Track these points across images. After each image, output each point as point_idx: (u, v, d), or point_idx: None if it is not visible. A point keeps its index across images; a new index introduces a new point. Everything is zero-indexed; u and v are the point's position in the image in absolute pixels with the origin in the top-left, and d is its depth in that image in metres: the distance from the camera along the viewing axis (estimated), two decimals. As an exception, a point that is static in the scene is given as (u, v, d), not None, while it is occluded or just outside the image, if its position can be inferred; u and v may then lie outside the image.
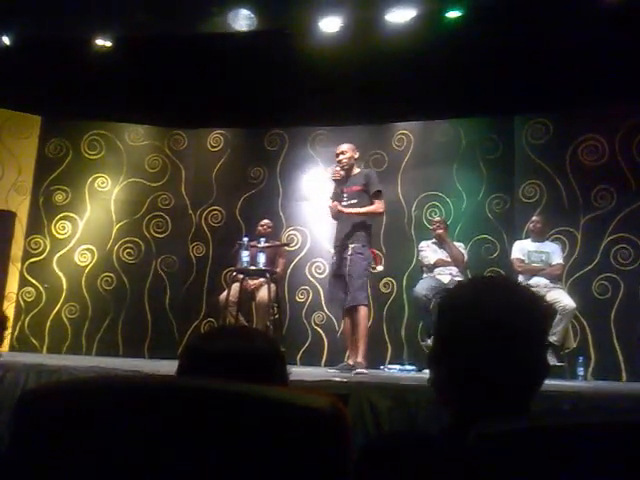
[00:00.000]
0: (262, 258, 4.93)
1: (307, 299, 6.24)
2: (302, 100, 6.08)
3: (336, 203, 4.52)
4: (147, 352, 6.27)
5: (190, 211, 6.68)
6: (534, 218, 5.36)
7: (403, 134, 6.35)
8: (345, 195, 4.52)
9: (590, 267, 5.46)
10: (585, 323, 5.31)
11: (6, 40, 5.93)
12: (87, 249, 6.48)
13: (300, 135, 6.61)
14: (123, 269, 6.47)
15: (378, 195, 4.52)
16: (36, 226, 6.47)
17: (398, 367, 5.29)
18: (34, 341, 6.22)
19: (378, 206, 4.52)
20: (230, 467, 0.75)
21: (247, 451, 0.75)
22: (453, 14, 5.58)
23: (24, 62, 5.85)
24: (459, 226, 5.94)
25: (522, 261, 5.18)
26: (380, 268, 4.76)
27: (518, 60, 5.47)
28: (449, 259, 5.27)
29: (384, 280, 5.98)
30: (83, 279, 6.42)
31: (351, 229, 4.45)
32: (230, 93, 6.17)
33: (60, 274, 6.40)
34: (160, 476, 0.77)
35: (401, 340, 5.90)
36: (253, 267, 4.95)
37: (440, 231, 5.38)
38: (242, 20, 5.54)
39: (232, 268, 5.36)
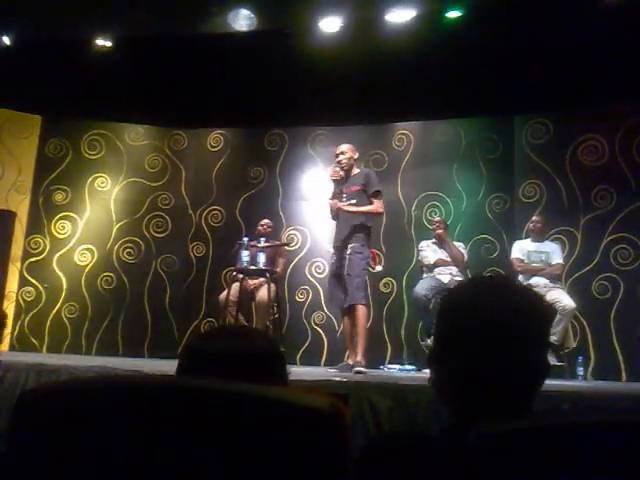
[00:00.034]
0: (262, 258, 4.94)
1: (307, 299, 6.24)
2: (302, 100, 6.08)
3: (336, 201, 4.52)
4: (147, 352, 6.27)
5: (190, 211, 6.68)
6: (534, 218, 5.36)
7: (403, 134, 6.35)
8: (344, 195, 4.52)
9: (590, 267, 5.46)
10: (585, 323, 5.31)
11: (6, 40, 5.93)
12: (87, 249, 6.49)
13: (300, 135, 6.62)
14: (123, 269, 6.47)
15: (377, 195, 4.52)
16: (36, 226, 6.47)
17: (398, 367, 5.29)
18: (34, 341, 6.23)
19: (377, 206, 4.52)
20: (230, 467, 0.75)
21: (247, 451, 0.75)
22: (453, 14, 5.58)
23: (24, 62, 5.85)
24: (459, 226, 5.94)
25: (522, 261, 5.18)
26: (379, 268, 4.76)
27: (518, 60, 5.47)
28: (449, 259, 5.27)
29: (384, 280, 5.98)
30: (83, 279, 6.42)
31: (350, 230, 4.45)
32: (230, 93, 6.17)
33: (60, 274, 6.40)
34: (160, 476, 0.77)
35: (401, 340, 5.90)
36: (253, 267, 4.95)
37: (440, 231, 5.38)
38: (242, 20, 5.54)
39: (232, 268, 5.36)
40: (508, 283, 1.09)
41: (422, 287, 5.09)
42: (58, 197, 6.53)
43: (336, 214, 4.61)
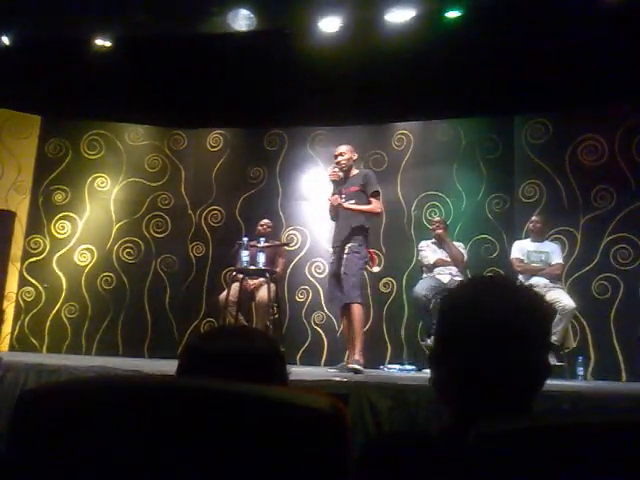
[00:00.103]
0: (262, 258, 4.94)
1: (307, 299, 6.24)
2: (302, 100, 6.08)
3: (336, 197, 4.51)
4: (147, 352, 6.27)
5: (190, 211, 6.68)
6: (534, 218, 5.36)
7: (403, 134, 6.36)
8: (343, 196, 4.52)
9: (590, 267, 5.46)
10: (585, 323, 5.31)
11: (6, 40, 5.93)
12: (87, 249, 6.49)
13: (300, 135, 6.62)
14: (123, 269, 6.47)
15: (376, 195, 4.53)
16: (36, 226, 6.47)
17: (398, 367, 5.30)
18: (34, 341, 6.22)
19: (376, 206, 4.52)
20: (230, 467, 0.75)
21: (247, 451, 0.75)
22: (453, 14, 5.58)
23: (24, 62, 5.85)
24: (459, 226, 5.94)
25: (522, 261, 5.18)
26: (377, 269, 4.76)
27: (518, 60, 5.47)
28: (449, 259, 5.27)
29: (384, 280, 5.98)
30: (83, 279, 6.42)
31: (349, 230, 4.46)
32: (230, 93, 6.17)
33: (60, 274, 6.40)
34: (160, 476, 0.77)
35: (401, 340, 5.90)
36: (253, 267, 4.95)
37: (440, 231, 5.38)
38: (242, 20, 5.54)
39: (232, 268, 5.37)
40: (508, 283, 1.09)
41: (422, 287, 5.09)
42: (58, 197, 6.53)
43: (335, 213, 4.62)
